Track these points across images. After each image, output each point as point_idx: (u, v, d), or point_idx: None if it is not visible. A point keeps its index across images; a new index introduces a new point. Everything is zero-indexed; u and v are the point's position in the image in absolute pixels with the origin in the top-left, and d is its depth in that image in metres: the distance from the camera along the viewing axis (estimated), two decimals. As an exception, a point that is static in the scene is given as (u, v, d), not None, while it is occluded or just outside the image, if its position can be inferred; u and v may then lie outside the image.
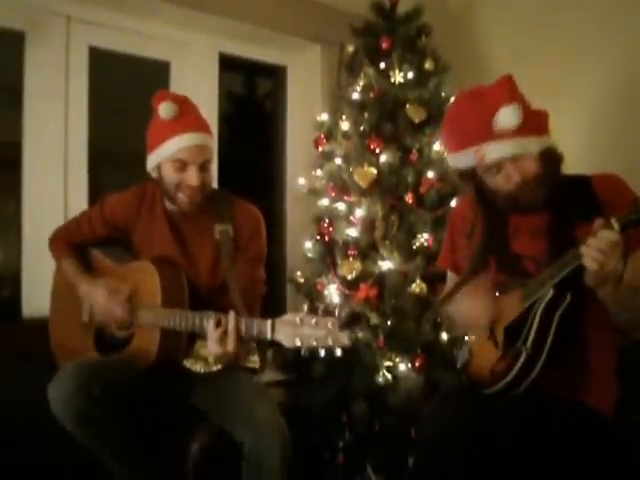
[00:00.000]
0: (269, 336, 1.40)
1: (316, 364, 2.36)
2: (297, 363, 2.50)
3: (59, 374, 1.56)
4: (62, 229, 1.97)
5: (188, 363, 1.73)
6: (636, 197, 1.20)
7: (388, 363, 2.21)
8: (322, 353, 1.32)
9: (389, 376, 2.20)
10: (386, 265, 2.23)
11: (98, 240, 1.92)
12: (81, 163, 2.44)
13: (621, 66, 2.20)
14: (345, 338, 1.31)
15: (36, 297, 2.24)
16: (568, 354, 1.37)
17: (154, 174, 1.76)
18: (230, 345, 1.47)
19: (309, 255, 2.49)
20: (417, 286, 2.17)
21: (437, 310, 1.89)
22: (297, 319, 1.35)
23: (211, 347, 1.50)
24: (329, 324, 1.32)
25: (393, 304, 2.21)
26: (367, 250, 2.31)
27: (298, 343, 1.34)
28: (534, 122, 1.37)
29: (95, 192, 2.42)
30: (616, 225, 1.17)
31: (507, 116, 1.33)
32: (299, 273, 2.56)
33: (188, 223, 1.81)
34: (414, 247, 2.24)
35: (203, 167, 1.71)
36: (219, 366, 1.70)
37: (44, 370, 1.76)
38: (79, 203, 2.36)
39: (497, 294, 1.47)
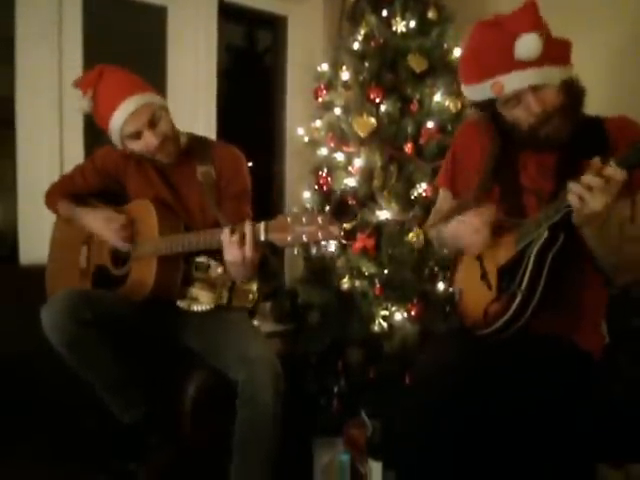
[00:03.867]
0: (262, 237, 1.42)
1: (312, 313, 2.40)
2: (293, 313, 2.53)
3: (51, 299, 1.59)
4: (56, 184, 1.99)
5: (182, 304, 1.76)
6: (638, 138, 1.13)
7: (384, 312, 2.23)
8: (314, 251, 1.34)
9: (385, 325, 2.22)
10: (384, 215, 2.24)
11: (93, 191, 1.93)
12: (76, 117, 2.37)
13: (632, 19, 2.14)
14: (335, 230, 1.34)
15: (33, 253, 2.24)
16: (561, 295, 1.37)
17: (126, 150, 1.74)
18: (248, 250, 1.46)
19: (307, 205, 2.49)
20: (414, 235, 2.17)
21: (426, 230, 1.85)
22: (288, 218, 1.38)
23: (230, 254, 1.48)
24: (319, 219, 1.35)
25: (390, 254, 2.22)
26: (365, 200, 2.31)
27: (290, 240, 1.37)
28: (556, 51, 1.31)
29: (92, 147, 2.38)
30: (614, 165, 1.13)
31: (528, 44, 1.26)
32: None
33: (174, 168, 1.82)
34: (412, 197, 2.24)
35: (152, 123, 1.68)
36: (212, 306, 1.74)
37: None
38: (75, 158, 2.32)
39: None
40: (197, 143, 1.84)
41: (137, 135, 1.67)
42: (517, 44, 1.27)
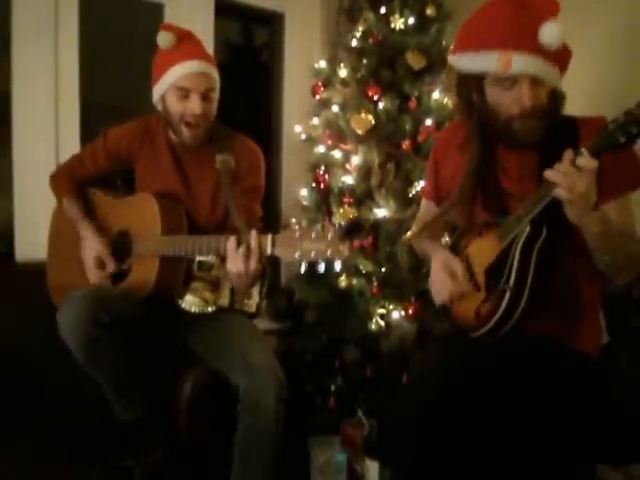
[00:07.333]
0: (269, 251, 1.39)
1: (309, 312, 2.39)
2: (290, 311, 2.52)
3: (70, 299, 1.55)
4: (64, 166, 1.95)
5: (184, 304, 1.74)
6: (606, 123, 1.10)
7: (381, 311, 2.22)
8: (322, 268, 1.30)
9: (382, 323, 2.22)
10: (381, 213, 2.23)
11: (101, 174, 1.91)
12: (73, 113, 2.38)
13: (626, 14, 2.14)
14: (345, 249, 1.30)
15: (29, 250, 2.23)
16: (554, 292, 1.35)
17: (159, 106, 1.76)
18: (253, 263, 1.43)
19: (304, 203, 2.49)
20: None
21: (406, 244, 1.83)
22: (297, 233, 1.33)
23: (234, 265, 1.45)
24: (329, 235, 1.30)
25: (388, 252, 2.22)
26: (363, 198, 2.30)
27: (297, 257, 1.32)
28: (563, 55, 1.29)
29: (88, 140, 2.38)
30: (585, 152, 1.12)
31: (554, 31, 1.19)
32: (294, 220, 2.54)
33: (190, 155, 1.81)
34: (410, 195, 2.23)
35: (206, 96, 1.69)
36: (213, 307, 1.72)
37: (39, 309, 1.79)
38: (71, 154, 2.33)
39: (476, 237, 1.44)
40: (220, 132, 1.82)
41: (185, 94, 1.67)
42: (544, 27, 1.22)
